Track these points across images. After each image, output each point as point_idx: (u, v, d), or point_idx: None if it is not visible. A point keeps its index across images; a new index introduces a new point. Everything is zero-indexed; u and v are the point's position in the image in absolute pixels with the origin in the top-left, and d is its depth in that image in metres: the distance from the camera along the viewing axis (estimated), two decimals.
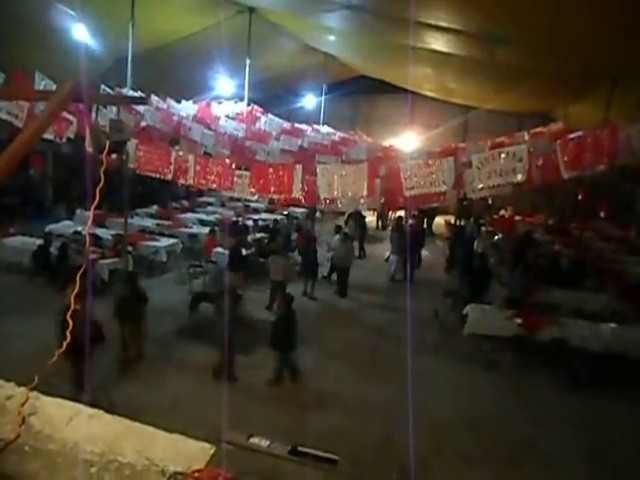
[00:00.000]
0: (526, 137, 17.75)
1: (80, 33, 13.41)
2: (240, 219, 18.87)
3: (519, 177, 7.73)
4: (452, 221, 23.43)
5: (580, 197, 20.45)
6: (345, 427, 8.00)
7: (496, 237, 18.69)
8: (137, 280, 10.02)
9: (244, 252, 14.15)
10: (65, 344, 3.35)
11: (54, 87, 10.60)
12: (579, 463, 7.59)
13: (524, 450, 7.83)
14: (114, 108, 9.14)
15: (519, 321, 10.46)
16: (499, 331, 10.54)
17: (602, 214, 22.49)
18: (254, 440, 2.46)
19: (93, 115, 8.98)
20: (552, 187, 13.92)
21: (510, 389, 9.65)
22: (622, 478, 7.39)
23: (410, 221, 17.59)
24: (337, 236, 15.02)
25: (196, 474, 2.26)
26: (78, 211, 17.72)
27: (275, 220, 19.81)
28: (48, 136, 9.97)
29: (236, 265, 12.65)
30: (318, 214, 20.27)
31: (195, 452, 2.62)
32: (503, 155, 7.80)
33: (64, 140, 10.25)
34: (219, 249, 14.59)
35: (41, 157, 20.99)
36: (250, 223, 18.67)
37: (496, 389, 9.65)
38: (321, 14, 14.85)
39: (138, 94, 13.40)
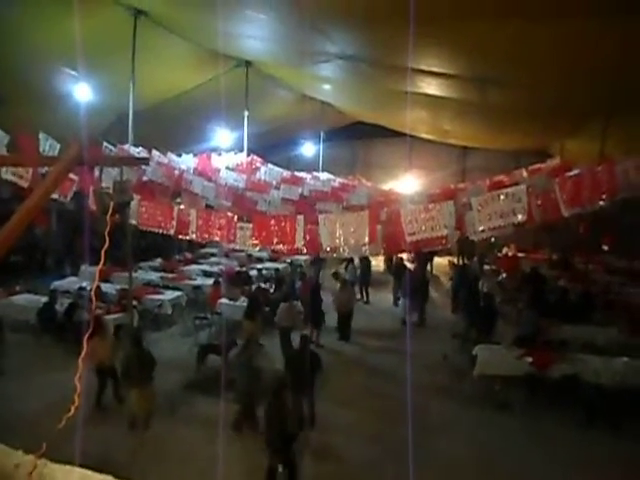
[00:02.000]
0: (524, 174, 17.92)
1: (82, 92, 13.72)
2: (243, 269, 18.88)
3: (519, 217, 7.78)
4: (455, 261, 23.44)
5: (583, 231, 20.49)
6: (358, 476, 7.87)
7: (501, 276, 18.62)
8: (142, 341, 9.81)
9: (258, 301, 14.08)
10: (73, 408, 3.33)
11: (58, 147, 10.83)
12: None
13: None
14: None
15: (529, 359, 10.33)
16: (509, 371, 10.41)
17: (606, 247, 22.45)
18: None
19: (96, 173, 9.13)
20: (554, 222, 13.94)
21: (524, 430, 9.47)
22: None
23: (414, 264, 17.63)
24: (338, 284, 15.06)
25: None
26: (83, 267, 17.79)
27: (276, 269, 19.79)
28: (53, 195, 10.14)
29: (253, 314, 12.65)
30: (322, 261, 20.30)
31: None
32: (502, 196, 7.87)
33: (68, 199, 10.41)
34: (224, 300, 14.56)
35: (45, 215, 21.19)
36: (254, 273, 18.67)
37: (510, 431, 9.48)
38: (316, 65, 15.22)
39: (139, 150, 13.64)
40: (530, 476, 8.12)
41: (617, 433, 9.16)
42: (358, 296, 17.78)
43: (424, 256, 20.43)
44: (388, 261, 23.53)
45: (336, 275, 15.70)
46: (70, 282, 16.25)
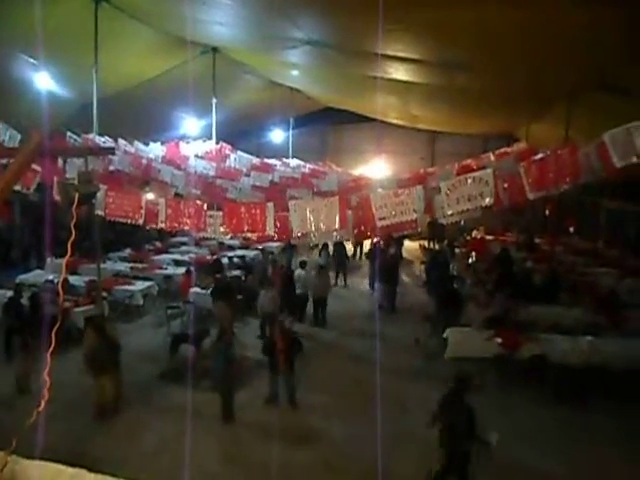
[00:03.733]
0: (492, 158, 18.16)
1: (43, 81, 13.38)
2: (214, 257, 18.76)
3: (487, 201, 7.90)
4: (426, 245, 23.67)
5: (548, 213, 20.91)
6: (335, 459, 7.97)
7: (470, 258, 18.88)
8: (106, 326, 9.65)
9: (228, 288, 14.01)
10: (43, 403, 3.29)
11: (19, 138, 10.57)
12: (564, 474, 7.65)
13: (513, 469, 7.83)
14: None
15: (499, 341, 10.54)
16: (480, 352, 10.58)
17: (571, 229, 22.94)
18: None
19: (60, 163, 8.96)
20: (521, 206, 14.19)
21: (495, 409, 9.63)
22: None
23: (391, 249, 17.74)
24: (312, 270, 15.03)
25: None
26: (49, 259, 17.43)
27: (244, 256, 19.67)
28: (15, 187, 9.91)
29: (222, 300, 12.62)
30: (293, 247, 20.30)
31: None
32: (470, 180, 7.97)
33: (31, 190, 10.19)
34: (196, 289, 14.47)
35: (8, 207, 20.70)
36: (225, 260, 18.56)
37: (480, 410, 9.64)
38: (284, 51, 15.12)
39: (105, 140, 13.40)
40: (498, 451, 8.30)
41: (583, 409, 9.43)
42: (334, 281, 17.78)
43: (395, 240, 20.56)
44: (356, 248, 23.56)
45: (303, 264, 15.57)
46: (36, 275, 15.92)
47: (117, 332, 9.91)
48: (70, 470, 3.03)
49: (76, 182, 4.52)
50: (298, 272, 14.86)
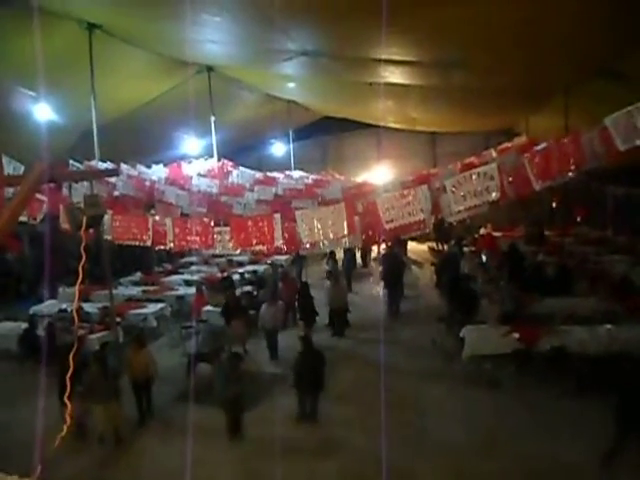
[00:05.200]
0: (494, 154, 18.11)
1: (42, 112, 13.49)
2: (225, 274, 18.75)
3: (493, 195, 7.87)
4: (434, 246, 23.57)
5: (556, 205, 20.79)
6: (359, 467, 7.89)
7: (481, 256, 18.76)
8: (106, 358, 9.60)
9: (239, 305, 13.97)
10: (66, 428, 3.28)
11: (22, 169, 10.65)
12: (595, 468, 7.52)
13: (544, 464, 7.75)
14: (86, 182, 9.20)
15: (516, 336, 10.45)
16: (498, 349, 10.51)
17: (579, 218, 22.80)
18: None
19: (66, 192, 9.01)
20: (527, 198, 14.12)
21: (517, 405, 9.57)
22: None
23: (396, 253, 17.67)
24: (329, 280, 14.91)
25: None
26: (61, 289, 17.49)
27: (254, 271, 19.65)
28: (22, 218, 9.97)
29: (234, 318, 12.60)
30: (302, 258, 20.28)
31: None
32: (475, 176, 7.95)
33: (38, 220, 10.25)
34: (209, 307, 14.46)
35: (16, 240, 20.83)
36: (236, 277, 18.55)
37: (504, 407, 9.57)
38: (278, 64, 15.19)
39: (107, 165, 13.48)
40: (526, 447, 8.21)
41: (606, 398, 9.29)
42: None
43: (399, 243, 20.43)
44: (363, 254, 23.33)
45: (330, 274, 15.45)
46: (49, 305, 15.96)
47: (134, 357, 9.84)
48: None
49: (82, 205, 4.54)
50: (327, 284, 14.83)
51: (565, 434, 8.46)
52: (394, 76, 14.77)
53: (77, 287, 3.85)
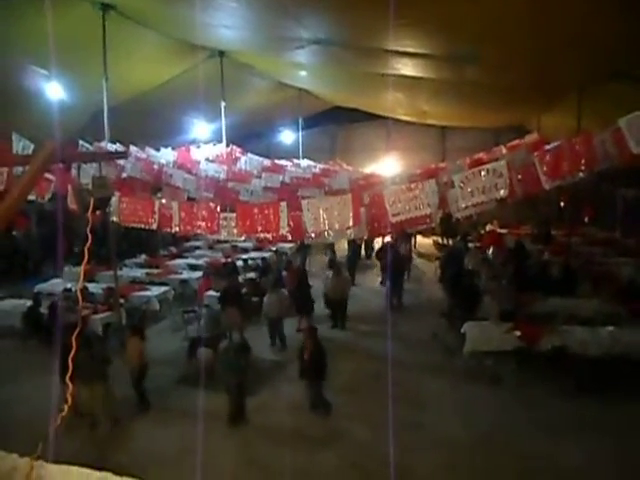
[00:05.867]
0: (504, 151, 18.02)
1: (54, 91, 13.48)
2: (229, 260, 18.81)
3: (501, 192, 7.84)
4: (439, 241, 23.56)
5: (563, 204, 20.70)
6: (359, 459, 7.94)
7: (486, 252, 18.73)
8: (96, 341, 9.64)
9: (239, 292, 14.02)
10: (67, 407, 3.30)
11: (32, 148, 10.65)
12: (593, 467, 7.56)
13: (539, 461, 7.79)
14: (95, 164, 9.22)
15: (518, 333, 10.46)
16: (499, 346, 10.52)
17: (586, 219, 22.71)
18: None
19: (74, 172, 9.02)
20: (535, 197, 14.06)
21: (516, 402, 9.60)
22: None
23: (400, 246, 17.70)
24: (329, 271, 14.87)
25: None
26: (66, 268, 17.57)
27: (263, 258, 19.72)
28: (30, 197, 10.00)
29: (232, 305, 12.65)
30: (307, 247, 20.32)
31: None
32: (484, 172, 7.91)
33: (46, 199, 10.28)
34: (212, 292, 14.51)
35: (24, 218, 20.92)
36: (240, 263, 18.60)
37: (503, 404, 9.60)
38: (290, 51, 15.10)
39: (117, 147, 13.47)
40: (523, 444, 8.25)
41: (605, 400, 9.32)
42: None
43: (405, 237, 20.40)
44: (366, 247, 23.24)
45: (332, 264, 15.44)
46: (54, 284, 16.04)
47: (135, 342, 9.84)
48: (96, 474, 3.03)
49: (90, 187, 4.54)
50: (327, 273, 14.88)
51: (561, 433, 8.50)
52: (406, 68, 14.67)
53: (82, 268, 3.86)
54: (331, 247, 18.96)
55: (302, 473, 7.44)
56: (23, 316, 13.15)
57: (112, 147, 13.49)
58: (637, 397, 9.26)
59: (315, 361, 9.09)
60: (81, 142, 12.49)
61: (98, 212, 7.18)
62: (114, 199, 9.79)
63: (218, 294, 14.05)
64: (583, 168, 7.63)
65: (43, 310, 13.06)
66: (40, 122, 12.28)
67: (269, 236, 9.38)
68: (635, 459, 7.75)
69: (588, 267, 15.02)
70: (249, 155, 20.85)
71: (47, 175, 9.59)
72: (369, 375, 11.08)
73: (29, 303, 13.47)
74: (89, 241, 3.87)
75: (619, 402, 9.21)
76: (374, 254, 19.88)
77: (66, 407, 3.15)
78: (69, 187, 9.52)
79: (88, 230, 3.89)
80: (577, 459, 7.78)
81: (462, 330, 11.09)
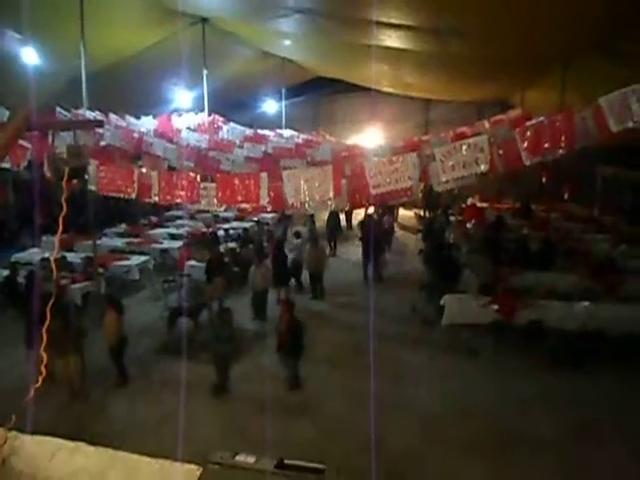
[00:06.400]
0: (486, 126, 18.01)
1: (30, 56, 13.13)
2: (210, 230, 18.72)
3: (482, 167, 7.84)
4: (421, 213, 23.67)
5: (544, 180, 20.84)
6: (336, 429, 8.06)
7: (466, 226, 18.86)
8: (69, 312, 9.58)
9: (221, 261, 14.00)
10: (41, 379, 3.28)
11: (7, 115, 10.39)
12: (565, 439, 7.77)
13: (513, 433, 7.96)
14: (71, 132, 9.03)
15: (495, 307, 10.60)
16: (477, 319, 10.67)
17: (566, 195, 22.91)
18: (240, 458, 2.44)
19: (50, 140, 8.83)
20: (517, 172, 14.13)
21: (493, 375, 9.77)
22: (608, 447, 7.57)
23: (381, 218, 17.77)
24: (307, 243, 14.95)
25: None
26: (44, 237, 17.35)
27: (244, 229, 19.67)
28: (4, 165, 9.81)
29: (215, 275, 12.65)
30: (288, 218, 20.31)
31: (181, 475, 2.60)
32: (465, 147, 7.89)
33: (21, 167, 10.08)
34: (192, 262, 14.46)
35: (0, 186, 20.58)
36: (221, 233, 18.54)
37: (479, 376, 9.77)
38: (274, 20, 14.84)
39: (95, 115, 13.20)
40: (498, 416, 8.42)
41: (579, 374, 9.54)
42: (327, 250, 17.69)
43: (387, 210, 20.42)
44: (347, 218, 23.28)
45: (297, 234, 15.54)
46: (32, 253, 15.86)
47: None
48: (70, 444, 3.03)
49: (65, 156, 4.46)
50: (295, 242, 14.88)
51: (534, 405, 8.70)
52: (390, 40, 14.50)
53: (57, 237, 3.80)
54: (311, 218, 18.97)
55: (279, 441, 7.52)
56: None
57: (91, 115, 13.23)
58: (610, 372, 9.47)
59: (291, 335, 9.10)
60: (58, 109, 12.20)
61: (75, 181, 7.08)
62: (92, 167, 9.62)
63: (199, 264, 14.03)
64: (563, 145, 7.65)
65: (20, 280, 12.90)
66: (15, 88, 11.96)
67: (249, 206, 9.32)
68: (601, 431, 7.96)
69: (566, 243, 15.20)
70: (231, 124, 20.59)
71: (23, 143, 9.38)
72: (345, 346, 11.20)
73: (5, 273, 13.31)
74: (64, 210, 3.82)
75: (592, 376, 9.44)
76: (357, 225, 19.94)
77: (40, 378, 3.13)
78: (45, 156, 9.33)
79: (63, 199, 3.83)
80: (546, 430, 7.98)
81: (441, 302, 11.21)
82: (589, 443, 7.68)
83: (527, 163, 7.88)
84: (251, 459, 2.50)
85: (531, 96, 19.89)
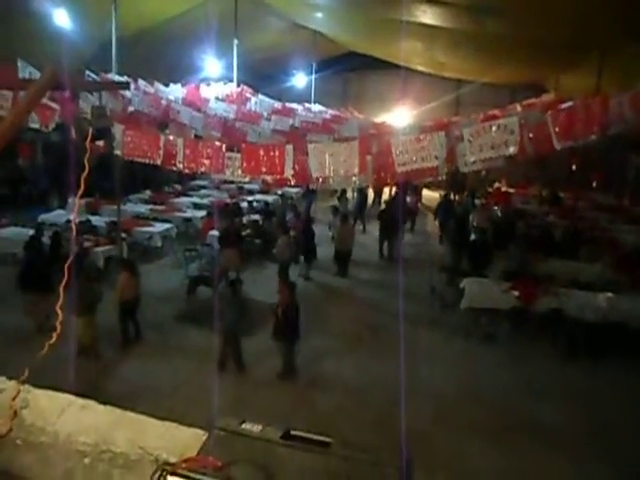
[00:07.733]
0: (518, 109, 17.64)
1: (62, 19, 13.14)
2: (234, 201, 18.76)
3: (511, 149, 7.66)
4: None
5: (573, 167, 20.42)
6: (346, 406, 8.08)
7: (492, 210, 18.63)
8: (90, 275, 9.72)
9: (238, 233, 14.07)
10: (55, 336, 3.31)
11: (38, 75, 10.42)
12: (575, 430, 7.69)
13: (523, 420, 7.90)
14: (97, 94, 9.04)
15: (516, 293, 10.47)
16: (496, 304, 10.56)
17: (595, 184, 22.46)
18: (246, 425, 2.44)
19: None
20: (545, 158, 13.84)
21: (508, 361, 9.69)
22: (620, 441, 7.45)
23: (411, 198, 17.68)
24: (337, 219, 14.95)
25: (184, 464, 2.24)
26: (70, 200, 17.54)
27: (266, 202, 19.68)
28: (34, 125, 9.86)
29: (230, 245, 12.71)
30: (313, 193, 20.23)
31: (188, 439, 2.61)
32: (494, 128, 7.71)
33: (50, 128, 10.12)
34: (215, 232, 14.52)
35: (29, 146, 20.79)
36: (244, 205, 18.57)
37: (495, 361, 9.70)
38: None
39: (124, 79, 13.18)
40: (510, 402, 8.37)
41: (595, 366, 9.39)
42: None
43: (413, 190, 20.20)
44: (375, 195, 23.21)
45: (335, 209, 15.55)
46: (57, 215, 16.08)
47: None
48: (80, 401, 3.06)
49: (89, 117, 4.45)
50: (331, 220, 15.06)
51: (546, 394, 8.60)
52: (425, 16, 14.23)
53: (77, 198, 3.81)
54: (343, 194, 18.94)
55: (290, 413, 7.57)
56: (25, 245, 13.19)
57: (120, 80, 13.21)
58: (628, 366, 9.27)
59: (287, 319, 8.76)
60: (87, 72, 12.19)
61: (101, 143, 7.09)
62: (119, 132, 9.63)
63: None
64: (596, 130, 7.44)
65: (45, 240, 13.08)
66: (47, 49, 12.01)
67: (273, 178, 9.26)
68: (609, 426, 7.84)
69: (592, 232, 14.94)
70: (260, 96, 20.44)
71: (51, 104, 9.40)
72: (363, 323, 11.21)
73: (31, 232, 13.50)
74: (86, 171, 3.81)
75: (609, 370, 9.25)
76: (383, 203, 19.88)
77: (54, 335, 3.16)
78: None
79: (86, 159, 3.82)
80: (555, 420, 7.89)
81: (461, 285, 11.11)
82: (590, 435, 7.60)
83: (558, 147, 7.68)
84: (257, 427, 2.48)
85: (566, 81, 19.42)
